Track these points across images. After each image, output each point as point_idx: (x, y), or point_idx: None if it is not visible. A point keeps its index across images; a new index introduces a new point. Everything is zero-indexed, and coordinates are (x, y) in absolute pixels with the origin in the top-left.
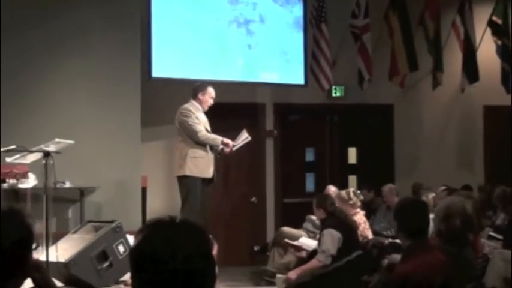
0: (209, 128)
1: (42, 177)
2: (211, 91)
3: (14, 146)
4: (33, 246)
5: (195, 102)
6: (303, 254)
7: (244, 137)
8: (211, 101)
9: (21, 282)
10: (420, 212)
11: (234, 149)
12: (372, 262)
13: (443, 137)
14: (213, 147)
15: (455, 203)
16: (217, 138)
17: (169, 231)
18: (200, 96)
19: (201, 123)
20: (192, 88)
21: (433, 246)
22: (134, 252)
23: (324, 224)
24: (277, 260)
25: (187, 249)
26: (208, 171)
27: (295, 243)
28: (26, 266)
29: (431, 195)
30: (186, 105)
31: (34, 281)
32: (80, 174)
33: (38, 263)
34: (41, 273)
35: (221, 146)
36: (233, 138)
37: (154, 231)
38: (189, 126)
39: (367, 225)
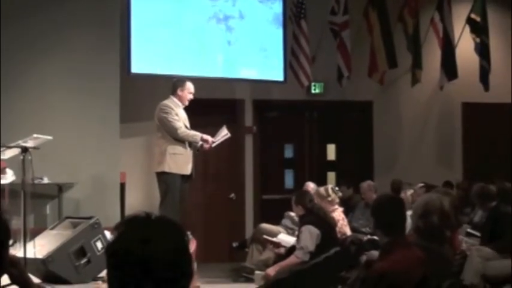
0: (188, 125)
1: (20, 173)
2: (190, 86)
3: None
4: (10, 242)
5: (174, 99)
6: (282, 250)
7: (223, 133)
8: (190, 96)
9: None
10: (397, 209)
11: (214, 145)
12: (350, 259)
13: (422, 134)
14: (192, 144)
15: (433, 199)
16: (197, 135)
17: (145, 228)
18: (179, 92)
19: (180, 119)
20: (171, 84)
21: (410, 242)
22: (110, 249)
23: (303, 221)
24: (256, 256)
25: (163, 245)
26: (187, 168)
27: (274, 239)
28: (2, 262)
29: (410, 192)
30: (166, 102)
31: (11, 277)
32: (58, 170)
33: (14, 259)
34: (18, 269)
35: (200, 143)
36: (212, 135)
37: (130, 228)
38: (168, 122)
39: (345, 221)
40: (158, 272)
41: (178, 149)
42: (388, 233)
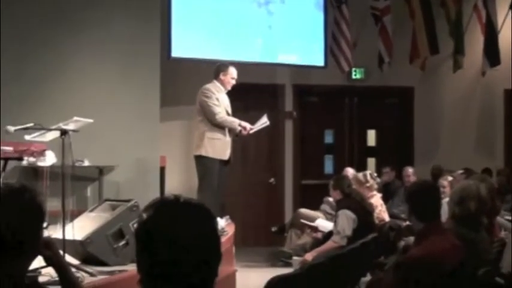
0: (230, 110)
1: (61, 155)
2: (232, 71)
3: (31, 124)
4: (44, 224)
5: (217, 83)
6: (319, 235)
7: (263, 121)
8: (233, 82)
9: (31, 260)
10: (431, 195)
11: (252, 131)
12: (388, 244)
13: (464, 121)
14: (231, 130)
15: (470, 186)
16: (235, 122)
17: (173, 211)
18: (222, 76)
19: (221, 104)
20: (214, 68)
21: (446, 229)
22: (139, 231)
23: (339, 205)
24: (294, 241)
25: (190, 228)
26: (225, 153)
27: (312, 224)
28: (36, 243)
29: (450, 178)
30: (208, 86)
31: (46, 259)
32: (99, 152)
33: (49, 240)
34: (53, 251)
35: (239, 129)
36: (252, 119)
37: (159, 211)
38: (208, 107)
39: (383, 207)
40: (185, 255)
41: (217, 134)
42: (422, 219)
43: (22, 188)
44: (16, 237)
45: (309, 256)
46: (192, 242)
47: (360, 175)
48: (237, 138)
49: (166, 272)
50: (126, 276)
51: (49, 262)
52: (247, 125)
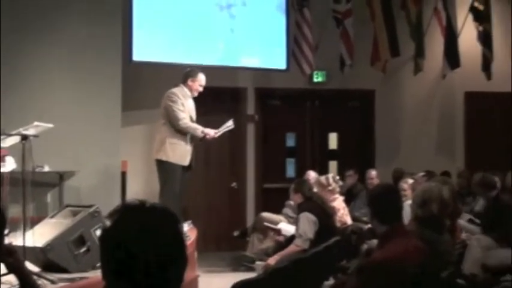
0: (194, 116)
1: (21, 161)
2: (201, 78)
3: None
4: (6, 231)
5: (184, 87)
6: (281, 238)
7: (228, 124)
8: (200, 89)
9: None
10: (392, 198)
11: (217, 135)
12: (351, 248)
13: (425, 123)
14: (193, 137)
15: (432, 188)
16: (198, 129)
17: (139, 216)
18: (190, 82)
19: (185, 110)
20: (183, 73)
21: (409, 231)
22: (104, 236)
23: (301, 208)
24: (256, 245)
25: (157, 233)
26: (185, 159)
27: (275, 226)
28: None
29: (410, 181)
30: (174, 90)
31: (7, 266)
32: (60, 158)
33: (10, 248)
34: (14, 258)
35: (201, 135)
36: (214, 123)
37: (125, 216)
38: (172, 111)
39: (346, 211)
40: (152, 259)
41: (178, 140)
42: (384, 221)
43: None
44: None
45: (271, 260)
46: (158, 247)
47: (323, 178)
48: (201, 142)
49: (132, 279)
50: (87, 284)
51: (11, 269)
52: (211, 132)
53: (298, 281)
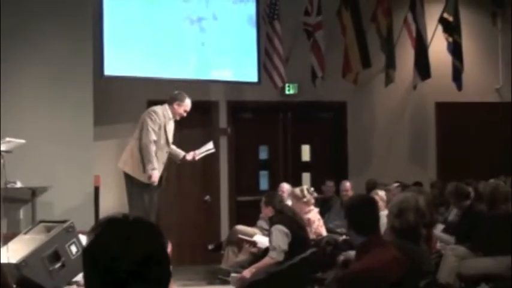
0: (171, 138)
1: None
2: (187, 103)
3: None
4: None
5: (168, 109)
6: (255, 250)
7: (209, 147)
8: (184, 114)
9: None
10: (369, 208)
11: (197, 158)
12: (326, 259)
13: (396, 134)
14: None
15: (408, 198)
16: (151, 165)
17: (123, 229)
18: (175, 105)
19: (159, 133)
20: (171, 95)
21: (386, 242)
22: (87, 252)
23: (272, 221)
24: (231, 258)
25: (141, 246)
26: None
27: (250, 239)
28: None
29: (382, 192)
30: (157, 108)
31: None
32: (32, 173)
33: None
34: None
35: (183, 154)
36: (186, 137)
37: (108, 229)
38: (146, 130)
39: (321, 222)
40: (137, 273)
41: None
42: (361, 232)
43: None
44: None
45: (247, 273)
46: (142, 261)
47: (297, 190)
48: (180, 162)
49: None
50: None
51: None
52: (155, 177)
53: None
